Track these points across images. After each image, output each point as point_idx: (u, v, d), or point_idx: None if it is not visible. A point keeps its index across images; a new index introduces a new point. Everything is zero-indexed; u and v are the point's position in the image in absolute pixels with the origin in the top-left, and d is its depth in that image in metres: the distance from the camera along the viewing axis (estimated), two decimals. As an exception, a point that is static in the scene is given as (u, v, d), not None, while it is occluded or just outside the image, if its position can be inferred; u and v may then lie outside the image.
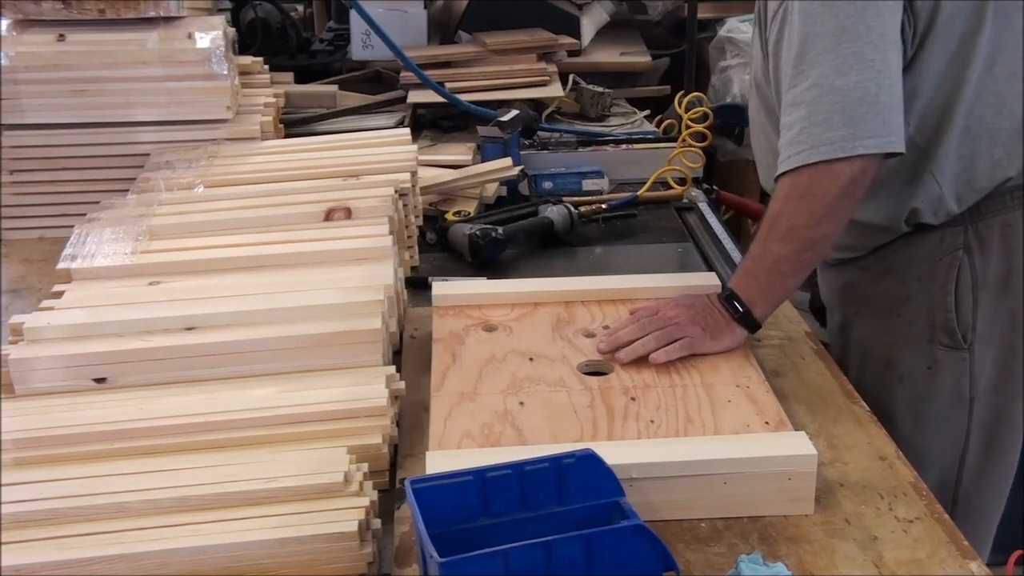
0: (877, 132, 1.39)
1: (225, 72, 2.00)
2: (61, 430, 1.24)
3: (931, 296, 1.61)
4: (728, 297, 1.46)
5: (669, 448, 1.20)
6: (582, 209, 2.04)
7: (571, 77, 2.64)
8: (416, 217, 1.88)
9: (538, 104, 2.51)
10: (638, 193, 2.18)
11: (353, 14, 2.56)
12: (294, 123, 2.37)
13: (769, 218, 1.46)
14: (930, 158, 1.54)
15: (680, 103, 2.33)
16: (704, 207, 2.16)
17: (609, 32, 2.98)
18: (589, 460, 1.09)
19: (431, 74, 2.46)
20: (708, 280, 1.61)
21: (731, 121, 2.55)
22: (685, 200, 2.19)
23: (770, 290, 1.46)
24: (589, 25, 2.86)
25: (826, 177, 1.40)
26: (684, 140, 2.27)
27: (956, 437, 1.66)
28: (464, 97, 2.41)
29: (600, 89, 2.61)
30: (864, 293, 1.70)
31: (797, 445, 1.19)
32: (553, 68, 2.61)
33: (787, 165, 1.42)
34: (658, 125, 2.52)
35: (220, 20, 2.07)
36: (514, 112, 2.24)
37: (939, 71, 1.50)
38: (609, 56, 2.85)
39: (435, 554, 0.95)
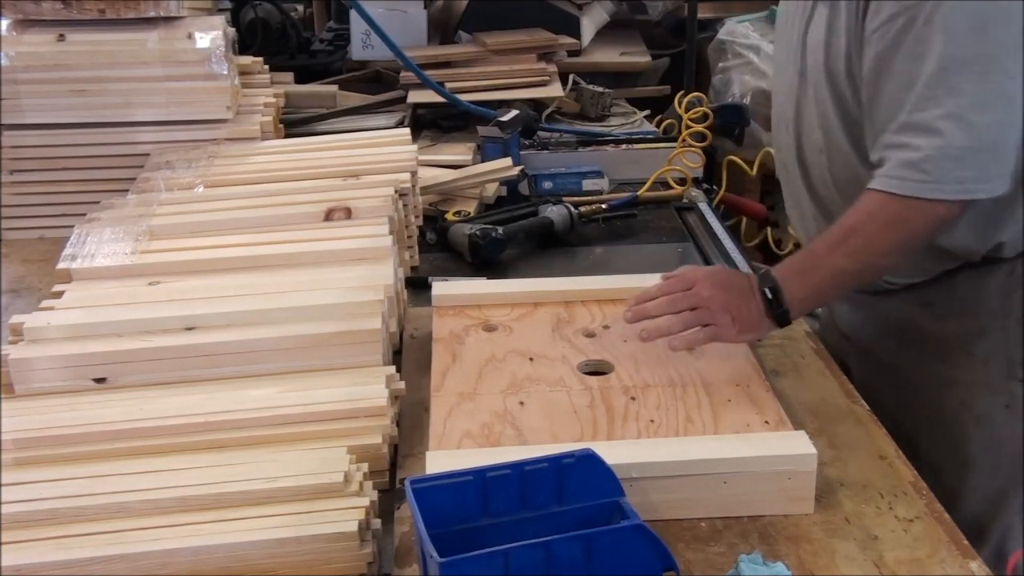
0: (1000, 174, 1.35)
1: (225, 72, 2.00)
2: (61, 430, 1.24)
3: (1007, 330, 1.55)
4: (765, 289, 1.38)
5: (669, 448, 1.20)
6: (582, 209, 2.04)
7: (571, 77, 2.64)
8: (416, 217, 1.88)
9: (538, 104, 2.51)
10: (638, 193, 2.18)
11: (353, 14, 2.56)
12: (294, 123, 2.37)
13: (844, 228, 1.39)
14: (1020, 187, 1.48)
15: (680, 103, 2.33)
16: (704, 207, 2.16)
17: (609, 32, 2.98)
18: (589, 460, 1.09)
19: (431, 74, 2.46)
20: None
21: (731, 121, 2.54)
22: (685, 200, 2.19)
23: (817, 296, 1.43)
24: (589, 25, 2.86)
25: (927, 212, 1.35)
26: (684, 140, 2.27)
27: None
28: (464, 97, 2.41)
29: (600, 89, 2.61)
30: (929, 331, 1.60)
31: (797, 444, 1.19)
32: (553, 68, 2.61)
33: (895, 187, 1.35)
34: (658, 125, 2.52)
35: (220, 20, 2.07)
36: (514, 112, 2.24)
37: None
38: (609, 56, 2.85)
39: (435, 554, 0.95)
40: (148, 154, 1.99)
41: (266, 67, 2.30)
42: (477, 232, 1.87)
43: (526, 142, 2.34)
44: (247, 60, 2.24)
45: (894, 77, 1.38)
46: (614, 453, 1.11)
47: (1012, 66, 1.32)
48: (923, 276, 1.57)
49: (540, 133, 2.42)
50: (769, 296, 1.37)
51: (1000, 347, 1.55)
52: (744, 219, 2.87)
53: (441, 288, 1.62)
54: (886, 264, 1.43)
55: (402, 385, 1.35)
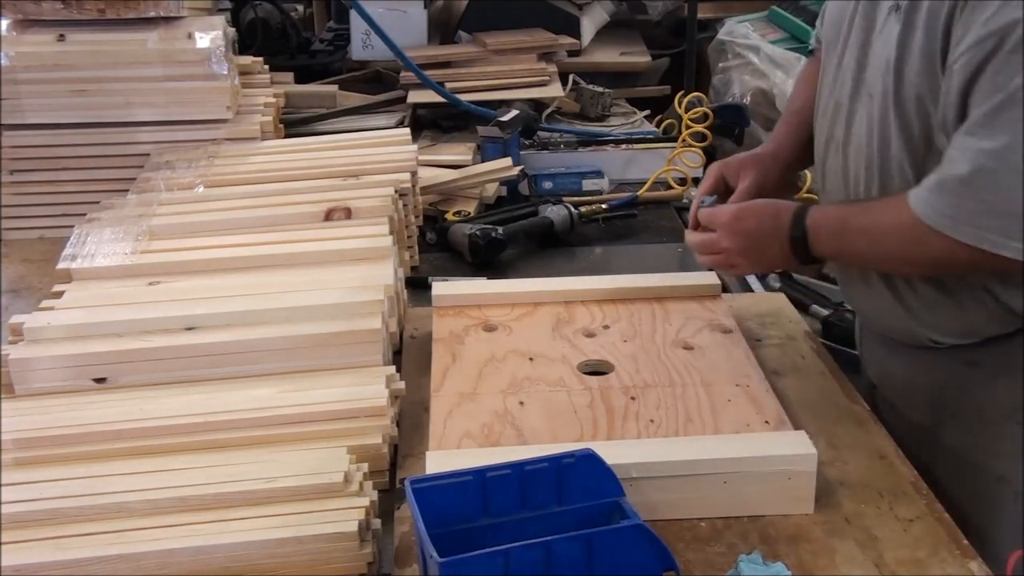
0: None
1: (225, 72, 2.00)
2: (61, 430, 1.24)
3: None
4: (800, 238, 1.35)
5: (669, 448, 1.20)
6: (582, 209, 2.05)
7: (571, 77, 2.64)
8: (416, 217, 1.88)
9: (538, 104, 2.51)
10: (638, 193, 2.18)
11: (353, 14, 2.56)
12: (294, 123, 2.37)
13: (873, 219, 1.32)
14: None
15: (680, 103, 2.33)
16: (704, 207, 2.15)
17: (609, 32, 2.98)
18: (589, 460, 1.09)
19: (431, 74, 2.46)
20: (708, 279, 1.61)
21: (731, 121, 2.54)
22: (685, 200, 2.19)
23: (839, 258, 1.43)
24: (589, 25, 2.86)
25: (952, 252, 1.23)
26: (684, 140, 2.27)
27: None
28: (464, 97, 2.41)
29: (600, 89, 2.61)
30: (971, 394, 1.42)
31: (797, 444, 1.19)
32: (553, 68, 2.61)
33: (926, 215, 1.24)
34: (658, 125, 2.52)
35: (220, 20, 2.07)
36: (514, 112, 2.24)
37: None
38: (609, 56, 2.85)
39: (435, 554, 0.95)
40: (148, 154, 1.99)
41: (266, 67, 2.30)
42: (477, 232, 1.87)
43: (526, 142, 2.34)
44: (247, 60, 2.25)
45: (975, 92, 1.21)
46: (614, 453, 1.11)
47: None
48: (975, 338, 1.39)
49: (540, 133, 2.42)
50: (795, 244, 1.36)
51: None
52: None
53: (441, 288, 1.62)
54: (912, 272, 1.35)
55: (402, 385, 1.35)
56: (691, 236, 1.48)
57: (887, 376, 1.53)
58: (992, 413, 1.40)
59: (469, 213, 2.01)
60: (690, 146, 2.25)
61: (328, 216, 1.67)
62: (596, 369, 1.42)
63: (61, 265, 1.56)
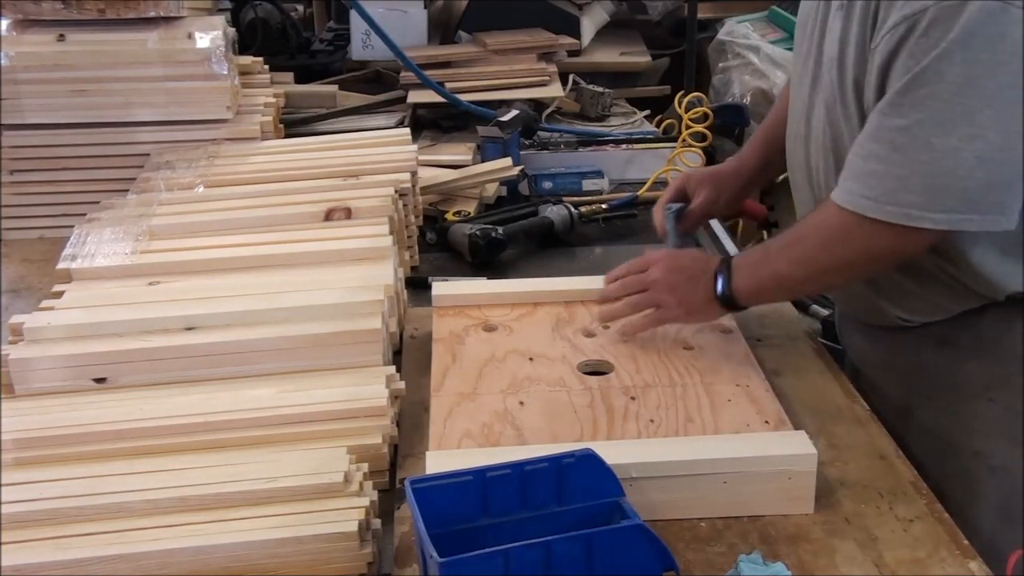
0: (956, 208, 1.23)
1: (225, 72, 2.00)
2: (61, 430, 1.24)
3: None
4: (717, 275, 1.39)
5: (669, 448, 1.20)
6: (582, 209, 2.05)
7: (571, 77, 2.64)
8: (416, 217, 1.88)
9: (538, 104, 2.51)
10: (638, 193, 2.18)
11: (353, 14, 2.56)
12: (294, 123, 2.37)
13: (794, 233, 1.37)
14: None
15: (680, 103, 2.33)
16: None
17: (609, 32, 2.98)
18: (589, 460, 1.09)
19: (431, 74, 2.46)
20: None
21: (731, 121, 2.55)
22: (685, 200, 2.19)
23: (762, 292, 1.41)
24: (589, 25, 2.86)
25: (871, 232, 1.27)
26: (684, 140, 2.27)
27: None
28: (464, 97, 2.41)
29: (600, 89, 2.61)
30: (944, 373, 1.46)
31: (797, 444, 1.19)
32: (553, 68, 2.61)
33: (845, 201, 1.28)
34: (658, 125, 2.52)
35: (220, 20, 2.07)
36: (514, 112, 2.24)
37: None
38: (609, 56, 2.85)
39: (435, 554, 0.95)
40: (148, 154, 1.99)
41: (266, 67, 2.30)
42: (477, 232, 1.87)
43: (526, 142, 2.34)
44: (247, 60, 2.24)
45: (891, 80, 1.27)
46: (614, 453, 1.11)
47: (993, 88, 1.19)
48: (943, 315, 1.43)
49: (540, 133, 2.42)
50: (718, 281, 1.39)
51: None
52: (743, 219, 2.87)
53: (441, 288, 1.62)
54: (835, 281, 1.37)
55: (402, 385, 1.35)
56: (618, 272, 1.48)
57: (866, 359, 1.57)
58: (965, 391, 1.44)
59: (469, 213, 2.01)
60: (690, 146, 2.25)
61: (328, 216, 1.67)
62: (596, 369, 1.42)
63: (61, 265, 1.56)
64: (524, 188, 2.16)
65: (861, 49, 1.31)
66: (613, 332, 1.48)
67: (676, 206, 1.59)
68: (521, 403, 1.32)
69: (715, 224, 2.06)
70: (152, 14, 2.03)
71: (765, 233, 2.83)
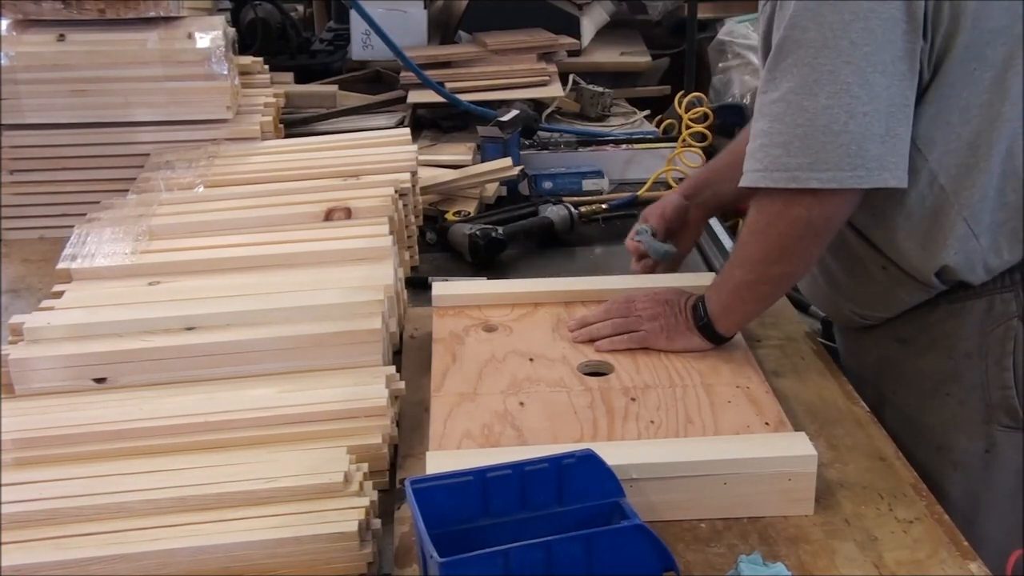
0: (840, 166, 1.26)
1: (225, 72, 2.00)
2: (61, 430, 1.24)
3: (984, 373, 1.42)
4: (695, 305, 1.44)
5: (669, 448, 1.20)
6: (582, 209, 2.05)
7: (571, 77, 2.64)
8: (416, 217, 1.88)
9: (538, 104, 2.51)
10: (638, 193, 2.18)
11: (353, 14, 2.56)
12: (294, 123, 2.37)
13: (739, 239, 1.43)
14: (961, 202, 1.35)
15: (680, 103, 2.33)
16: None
17: (609, 32, 2.98)
18: (589, 460, 1.09)
19: (431, 74, 2.46)
20: (707, 280, 1.60)
21: (731, 121, 2.54)
22: (685, 200, 2.19)
23: (732, 311, 1.42)
24: (589, 25, 2.86)
25: (777, 207, 1.32)
26: (684, 140, 2.27)
27: (1020, 525, 1.45)
28: (464, 97, 2.41)
29: (600, 89, 2.61)
30: (904, 370, 1.50)
31: (797, 446, 1.19)
32: (553, 68, 2.61)
33: (742, 180, 1.34)
34: (658, 125, 2.52)
35: (220, 20, 2.07)
36: (514, 112, 2.24)
37: (964, 101, 1.31)
38: (609, 56, 2.85)
39: (435, 554, 0.95)
40: (148, 154, 1.99)
41: (266, 67, 2.30)
42: (477, 232, 1.87)
43: (526, 142, 2.34)
44: (247, 60, 2.25)
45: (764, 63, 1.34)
46: (614, 454, 1.11)
47: (847, 46, 1.24)
48: (899, 308, 1.46)
49: (540, 133, 2.42)
50: (694, 309, 1.44)
51: (977, 390, 1.43)
52: (744, 219, 2.87)
53: (441, 288, 1.62)
54: (775, 273, 1.38)
55: (402, 385, 1.35)
56: (602, 309, 1.50)
57: (847, 359, 1.62)
58: (924, 386, 1.48)
59: (469, 213, 2.01)
60: (690, 146, 2.25)
61: (328, 216, 1.67)
62: (596, 370, 1.42)
63: (61, 265, 1.56)
64: (524, 188, 2.17)
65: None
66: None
67: (646, 228, 1.63)
68: (521, 404, 1.32)
69: (715, 224, 2.06)
70: (152, 14, 2.02)
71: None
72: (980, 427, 1.44)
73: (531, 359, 1.43)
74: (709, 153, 2.30)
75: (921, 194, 1.35)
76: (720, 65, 3.13)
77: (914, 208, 1.36)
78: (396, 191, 1.74)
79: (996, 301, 1.41)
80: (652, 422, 1.28)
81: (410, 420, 1.36)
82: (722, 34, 3.17)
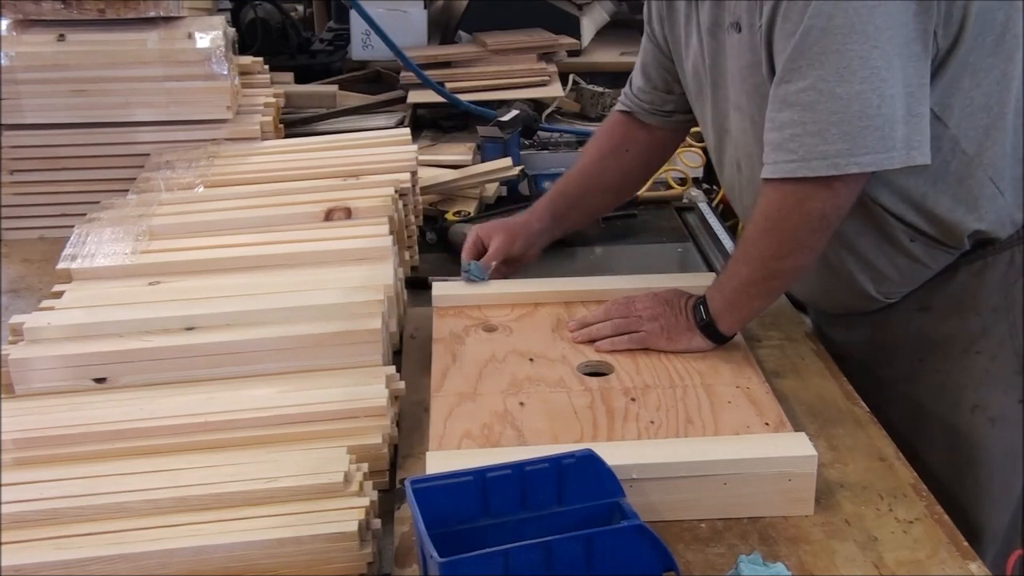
0: (875, 148, 1.28)
1: (225, 72, 2.00)
2: (61, 430, 1.24)
3: (1012, 325, 1.47)
4: (696, 305, 1.44)
5: (669, 449, 1.20)
6: (582, 209, 2.04)
7: (571, 77, 2.64)
8: (416, 217, 1.88)
9: (538, 104, 2.51)
10: (638, 193, 2.17)
11: (353, 14, 2.56)
12: (294, 123, 2.37)
13: (744, 237, 1.42)
14: (984, 163, 1.40)
15: (680, 103, 2.33)
16: (704, 207, 2.16)
17: (609, 32, 2.98)
18: (589, 460, 1.09)
19: (431, 74, 2.46)
20: (707, 280, 1.60)
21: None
22: (685, 200, 2.19)
23: (736, 308, 1.42)
24: (589, 25, 2.86)
25: (806, 196, 1.31)
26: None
27: None
28: (464, 97, 2.41)
29: (600, 89, 2.61)
30: (928, 338, 1.52)
31: (797, 446, 1.19)
32: (553, 68, 2.61)
33: (774, 172, 1.33)
34: (658, 125, 2.52)
35: (220, 20, 2.07)
36: (514, 112, 2.24)
37: (972, 65, 1.35)
38: (609, 56, 2.85)
39: (435, 554, 0.95)
40: (148, 154, 1.99)
41: (266, 67, 2.30)
42: (477, 232, 1.87)
43: (526, 142, 2.34)
44: (247, 60, 2.24)
45: (775, 53, 1.33)
46: (614, 454, 1.11)
47: (873, 31, 1.25)
48: (922, 277, 1.49)
49: (540, 133, 2.42)
50: (695, 309, 1.44)
51: (1007, 342, 1.48)
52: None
53: (441, 288, 1.62)
54: (791, 266, 1.38)
55: (402, 385, 1.35)
56: (602, 309, 1.50)
57: (851, 344, 1.60)
58: (952, 349, 1.50)
59: (469, 213, 2.01)
60: (690, 146, 2.25)
61: (328, 216, 1.67)
62: (596, 370, 1.42)
63: (61, 265, 1.56)
64: (524, 188, 2.16)
65: (751, 38, 1.37)
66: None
67: (475, 265, 1.63)
68: (521, 404, 1.32)
69: (715, 224, 2.07)
70: (152, 14, 2.03)
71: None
72: (1014, 378, 1.49)
73: (531, 359, 1.43)
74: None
75: (945, 160, 1.38)
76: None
77: (940, 176, 1.39)
78: (396, 191, 1.74)
79: (1016, 253, 1.46)
80: (652, 422, 1.28)
81: (410, 420, 1.36)
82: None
